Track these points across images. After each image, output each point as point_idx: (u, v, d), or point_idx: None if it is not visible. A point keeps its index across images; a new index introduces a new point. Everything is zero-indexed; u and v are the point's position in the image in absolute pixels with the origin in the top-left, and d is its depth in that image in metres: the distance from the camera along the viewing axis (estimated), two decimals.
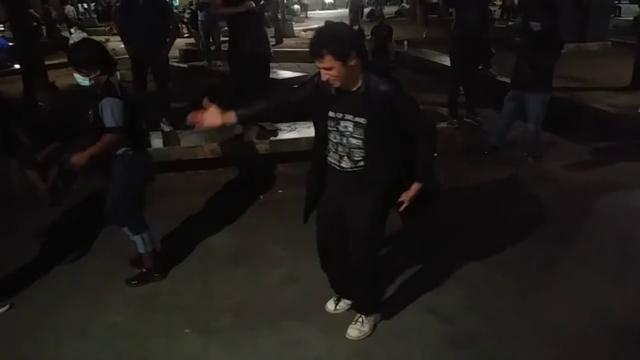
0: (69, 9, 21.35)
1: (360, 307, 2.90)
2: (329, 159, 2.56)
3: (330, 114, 2.42)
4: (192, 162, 5.28)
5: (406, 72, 10.01)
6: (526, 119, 5.16)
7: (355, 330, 2.83)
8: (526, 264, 3.47)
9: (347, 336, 2.82)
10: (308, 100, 2.52)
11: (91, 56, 2.99)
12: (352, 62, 2.23)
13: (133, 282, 3.41)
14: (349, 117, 2.38)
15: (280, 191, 4.78)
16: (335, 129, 2.44)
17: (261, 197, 4.70)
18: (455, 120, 6.12)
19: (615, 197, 4.43)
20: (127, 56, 5.84)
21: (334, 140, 2.47)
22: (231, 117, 2.51)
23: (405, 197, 2.55)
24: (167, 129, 5.81)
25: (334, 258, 2.78)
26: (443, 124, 6.14)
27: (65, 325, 3.05)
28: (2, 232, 4.16)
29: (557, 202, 4.39)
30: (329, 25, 2.37)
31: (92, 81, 2.99)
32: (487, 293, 3.18)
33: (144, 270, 3.45)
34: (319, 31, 2.29)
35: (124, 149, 3.11)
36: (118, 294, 3.34)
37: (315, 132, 2.60)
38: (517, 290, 3.20)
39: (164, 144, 5.42)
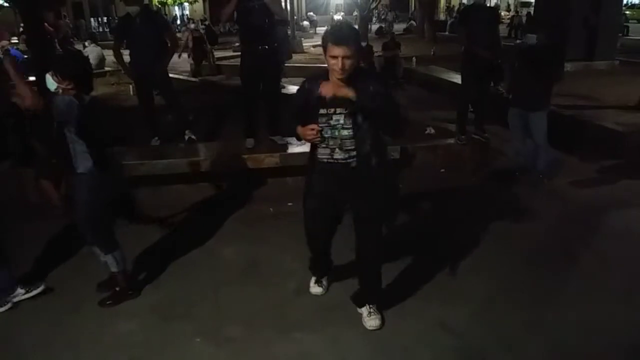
0: (62, 22, 21.38)
1: (372, 296, 3.07)
2: (319, 155, 2.74)
3: (322, 111, 2.62)
4: (203, 175, 5.35)
5: (414, 89, 10.12)
6: (531, 135, 5.16)
7: (377, 320, 3.00)
8: (535, 282, 3.49)
9: (369, 328, 2.99)
10: (304, 105, 2.69)
11: (70, 68, 3.00)
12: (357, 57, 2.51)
13: (108, 302, 3.35)
14: (340, 110, 2.60)
15: (290, 204, 4.83)
16: (327, 124, 2.63)
17: (271, 209, 4.76)
18: (463, 137, 6.16)
19: (622, 215, 4.45)
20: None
21: (326, 136, 2.65)
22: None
23: None
24: (193, 137, 5.90)
25: (323, 245, 3.14)
26: (451, 140, 6.20)
27: (79, 332, 3.11)
28: (17, 240, 4.23)
29: (564, 220, 4.42)
30: (346, 22, 2.75)
31: (60, 90, 3.01)
32: (495, 309, 3.21)
33: (118, 289, 3.39)
34: (340, 25, 2.60)
35: (89, 168, 3.06)
36: (131, 302, 3.39)
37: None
38: (526, 307, 3.22)
39: (176, 156, 5.50)
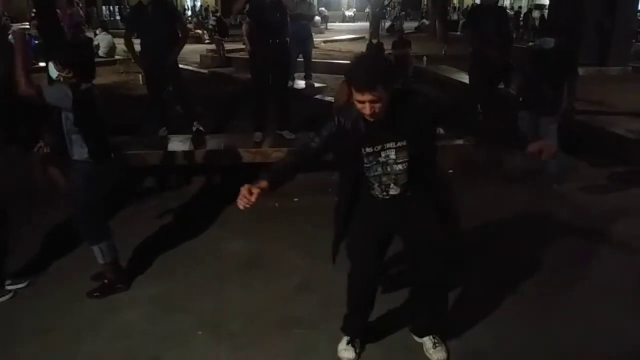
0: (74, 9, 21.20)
1: (437, 325, 2.80)
2: (372, 192, 2.47)
3: (368, 149, 2.35)
4: (209, 168, 5.35)
5: (424, 88, 10.06)
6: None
7: (443, 352, 2.73)
8: (541, 288, 3.45)
9: None
10: (332, 141, 2.39)
11: (70, 56, 3.00)
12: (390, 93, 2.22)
13: (95, 294, 3.33)
14: (390, 144, 2.34)
15: (295, 200, 4.82)
16: (375, 161, 2.38)
17: (277, 204, 4.74)
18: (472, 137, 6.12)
19: (631, 223, 4.39)
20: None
21: (376, 174, 2.40)
22: (263, 186, 2.38)
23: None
24: (201, 128, 5.87)
25: (371, 292, 2.71)
26: (459, 141, 6.16)
27: (79, 320, 3.11)
28: (23, 227, 4.23)
29: (573, 226, 4.36)
30: (370, 56, 2.46)
31: (60, 79, 3.01)
32: (500, 314, 3.17)
33: (106, 281, 3.38)
34: (361, 62, 2.23)
35: (84, 157, 3.06)
36: (132, 292, 3.40)
37: (344, 171, 2.55)
38: (531, 313, 3.18)
39: (183, 147, 5.49)
